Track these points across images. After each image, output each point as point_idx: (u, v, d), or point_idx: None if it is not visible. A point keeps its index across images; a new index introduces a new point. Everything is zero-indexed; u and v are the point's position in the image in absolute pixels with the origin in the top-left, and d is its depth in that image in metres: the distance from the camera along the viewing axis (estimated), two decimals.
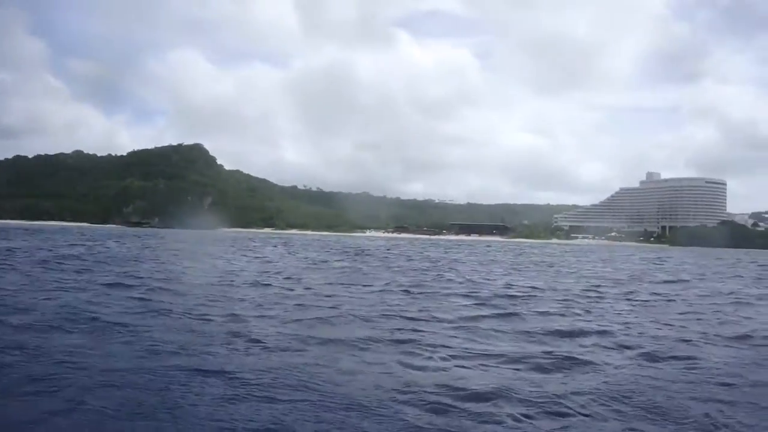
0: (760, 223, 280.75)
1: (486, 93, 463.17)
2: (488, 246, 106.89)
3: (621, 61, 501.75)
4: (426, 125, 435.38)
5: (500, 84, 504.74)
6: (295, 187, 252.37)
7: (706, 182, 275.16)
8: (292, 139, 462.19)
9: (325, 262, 37.84)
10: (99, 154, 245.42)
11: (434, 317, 13.67)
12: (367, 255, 49.82)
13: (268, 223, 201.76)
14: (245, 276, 23.84)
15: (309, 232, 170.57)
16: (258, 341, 10.17)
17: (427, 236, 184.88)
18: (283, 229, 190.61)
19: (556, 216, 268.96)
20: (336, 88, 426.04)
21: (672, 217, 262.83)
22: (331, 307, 14.60)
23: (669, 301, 19.92)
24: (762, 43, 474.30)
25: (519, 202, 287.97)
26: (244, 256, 41.84)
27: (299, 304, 15.13)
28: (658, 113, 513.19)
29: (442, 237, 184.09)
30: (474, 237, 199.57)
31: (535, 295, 19.84)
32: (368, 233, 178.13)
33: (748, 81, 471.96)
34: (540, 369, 9.06)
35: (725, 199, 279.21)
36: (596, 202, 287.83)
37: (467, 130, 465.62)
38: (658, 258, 71.28)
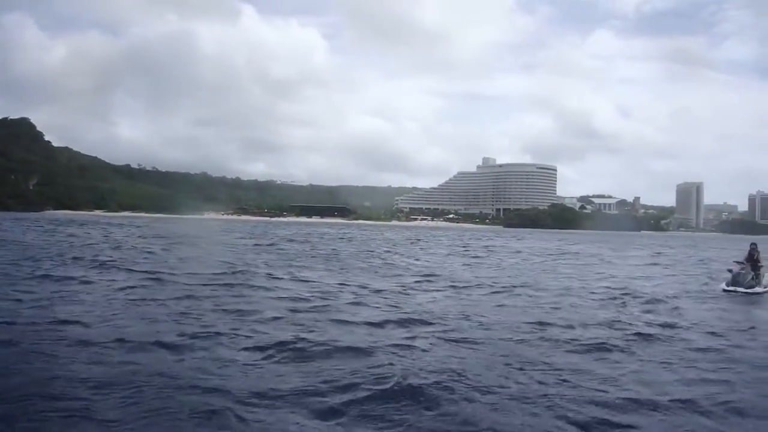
0: (587, 206, 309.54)
1: (332, 74, 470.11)
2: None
3: (467, 49, 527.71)
4: (269, 104, 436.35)
5: (347, 66, 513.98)
6: (129, 166, 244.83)
7: (538, 168, 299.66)
8: (127, 115, 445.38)
9: None
10: None
11: None
12: None
13: (99, 204, 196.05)
14: None
15: (143, 215, 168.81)
16: None
17: (267, 218, 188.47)
18: (115, 211, 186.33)
19: (397, 198, 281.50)
20: (175, 61, 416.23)
21: (506, 200, 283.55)
22: None
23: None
24: (597, 38, 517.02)
25: (362, 184, 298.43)
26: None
27: None
28: (496, 101, 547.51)
29: (282, 219, 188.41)
30: (315, 219, 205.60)
31: None
32: (206, 215, 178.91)
33: (583, 74, 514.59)
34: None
35: (555, 184, 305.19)
36: (436, 185, 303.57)
37: (312, 111, 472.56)
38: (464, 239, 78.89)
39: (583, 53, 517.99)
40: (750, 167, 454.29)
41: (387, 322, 12.21)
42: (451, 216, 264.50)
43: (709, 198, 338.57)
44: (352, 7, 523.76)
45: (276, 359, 8.79)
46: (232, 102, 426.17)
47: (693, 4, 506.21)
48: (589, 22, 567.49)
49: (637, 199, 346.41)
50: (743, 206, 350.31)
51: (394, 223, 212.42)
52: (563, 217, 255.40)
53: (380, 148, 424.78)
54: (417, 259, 34.32)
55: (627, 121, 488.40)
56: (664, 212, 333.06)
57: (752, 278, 21.16)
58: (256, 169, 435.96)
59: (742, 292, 20.30)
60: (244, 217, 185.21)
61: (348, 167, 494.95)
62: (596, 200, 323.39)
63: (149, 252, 30.98)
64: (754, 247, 22.71)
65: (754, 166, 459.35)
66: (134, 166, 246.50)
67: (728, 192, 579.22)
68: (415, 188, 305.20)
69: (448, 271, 26.94)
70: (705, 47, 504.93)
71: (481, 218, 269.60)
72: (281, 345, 9.47)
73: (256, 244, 44.98)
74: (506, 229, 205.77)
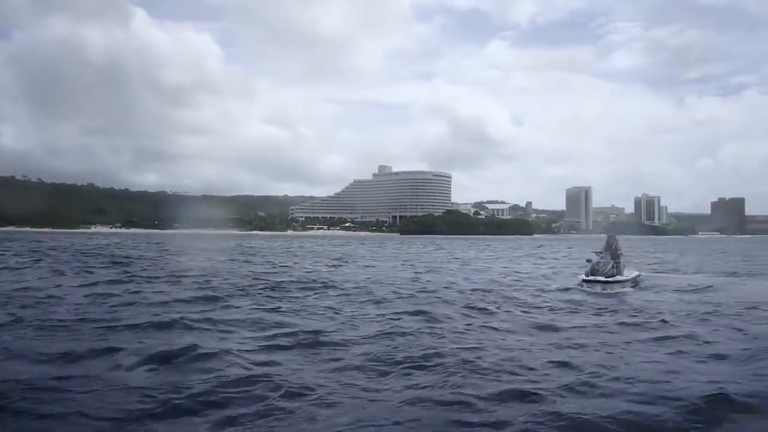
0: (481, 212, 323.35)
1: (227, 81, 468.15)
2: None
3: (365, 57, 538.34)
4: (162, 112, 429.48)
5: (243, 73, 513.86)
6: (13, 178, 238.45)
7: (434, 175, 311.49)
8: (11, 123, 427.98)
9: None
10: None
11: None
12: None
13: None
14: None
15: (28, 229, 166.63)
16: None
17: (158, 231, 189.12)
18: None
19: (293, 208, 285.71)
20: (63, 66, 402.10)
21: (402, 207, 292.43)
22: None
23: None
24: (491, 50, 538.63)
25: (257, 194, 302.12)
26: None
27: None
28: (394, 109, 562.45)
29: (174, 231, 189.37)
30: (209, 231, 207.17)
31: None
32: (93, 229, 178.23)
33: (476, 83, 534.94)
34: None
35: (450, 190, 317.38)
36: (333, 194, 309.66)
37: (206, 119, 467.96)
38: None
39: (479, 63, 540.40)
40: (636, 171, 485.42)
41: None
42: (347, 225, 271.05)
43: (598, 201, 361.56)
44: (248, 13, 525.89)
45: None
46: (123, 110, 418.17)
47: (583, 15, 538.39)
48: (485, 32, 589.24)
49: (529, 203, 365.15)
50: (630, 208, 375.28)
51: (289, 233, 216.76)
52: (458, 223, 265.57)
53: (277, 156, 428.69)
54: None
55: (521, 129, 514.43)
56: (555, 216, 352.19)
57: (612, 267, 21.47)
58: (147, 179, 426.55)
59: (602, 281, 20.63)
60: (132, 230, 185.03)
61: (243, 177, 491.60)
62: (490, 206, 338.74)
63: None
64: (611, 236, 23.61)
65: (639, 169, 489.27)
66: (19, 177, 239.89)
67: (616, 195, 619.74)
68: (312, 197, 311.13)
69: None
70: (594, 57, 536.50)
71: (377, 226, 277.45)
72: None
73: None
74: (402, 236, 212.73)
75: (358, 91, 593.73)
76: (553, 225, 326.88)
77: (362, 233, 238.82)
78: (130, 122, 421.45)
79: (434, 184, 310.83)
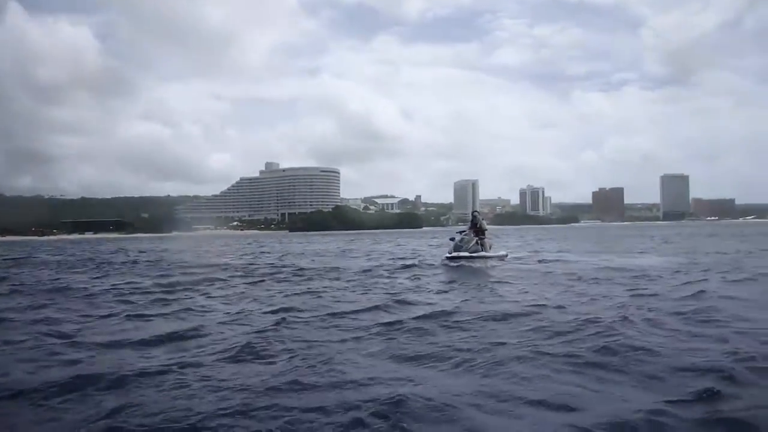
0: (371, 207, 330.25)
1: (107, 77, 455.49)
2: None
3: (251, 52, 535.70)
4: (36, 111, 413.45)
5: (123, 68, 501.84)
6: None
7: (321, 171, 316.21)
8: None
9: None
10: None
11: None
12: None
13: None
14: None
15: None
16: None
17: (36, 237, 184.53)
18: None
19: (177, 207, 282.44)
20: None
21: (291, 204, 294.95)
22: None
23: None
24: (377, 45, 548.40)
25: (139, 195, 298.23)
26: None
27: None
28: (281, 105, 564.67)
29: (51, 238, 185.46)
30: (89, 235, 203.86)
31: None
32: None
33: (365, 78, 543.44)
34: None
35: (339, 186, 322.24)
36: (218, 192, 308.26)
37: (84, 118, 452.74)
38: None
39: (367, 58, 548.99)
40: (521, 164, 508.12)
41: None
42: (234, 223, 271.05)
43: (485, 194, 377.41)
44: (129, 5, 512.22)
45: None
46: None
47: (470, 12, 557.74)
48: (373, 27, 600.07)
49: (418, 197, 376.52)
50: (515, 200, 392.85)
51: (174, 234, 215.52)
52: (348, 219, 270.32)
53: (160, 155, 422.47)
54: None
55: (409, 124, 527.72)
56: (444, 209, 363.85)
57: (476, 243, 22.51)
58: (21, 183, 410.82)
59: (466, 257, 21.85)
60: (8, 238, 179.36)
61: (125, 177, 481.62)
62: (379, 201, 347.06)
63: None
64: (476, 215, 24.18)
65: (524, 162, 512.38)
66: None
67: (502, 187, 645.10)
68: (197, 196, 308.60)
69: None
70: (481, 53, 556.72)
71: (266, 224, 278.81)
72: None
73: None
74: (291, 233, 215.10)
75: (244, 86, 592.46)
76: (442, 218, 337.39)
77: (250, 231, 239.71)
78: (2, 122, 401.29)
79: (322, 180, 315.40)
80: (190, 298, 14.50)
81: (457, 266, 21.01)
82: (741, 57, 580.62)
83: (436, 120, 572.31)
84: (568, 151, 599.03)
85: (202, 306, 12.73)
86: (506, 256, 24.54)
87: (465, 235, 22.97)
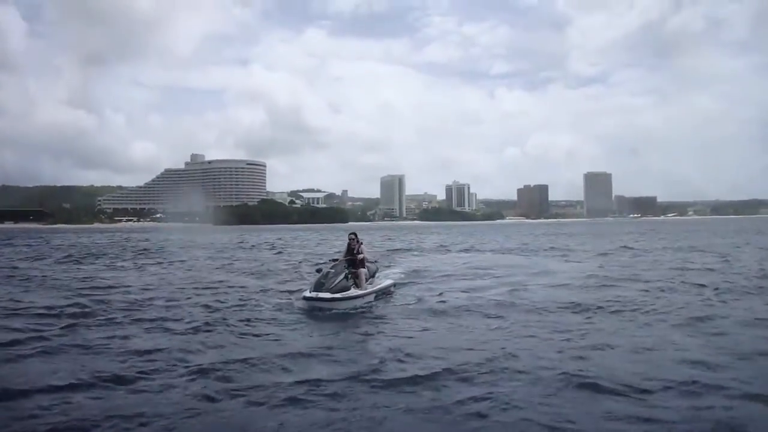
0: (297, 201, 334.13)
1: (29, 59, 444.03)
2: None
3: (178, 39, 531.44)
4: None
5: (46, 51, 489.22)
6: None
7: (248, 163, 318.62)
8: None
9: None
10: None
11: None
12: None
13: None
14: None
15: None
16: None
17: None
18: None
19: (99, 198, 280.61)
20: None
21: (216, 197, 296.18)
22: None
23: None
24: (308, 37, 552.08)
25: (60, 184, 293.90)
26: None
27: None
28: (209, 95, 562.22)
29: None
30: (8, 224, 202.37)
31: None
32: None
33: (294, 70, 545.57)
34: None
35: (265, 179, 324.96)
36: (142, 183, 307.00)
37: (2, 100, 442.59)
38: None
39: (297, 50, 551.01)
40: (448, 159, 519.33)
41: None
42: (158, 216, 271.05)
43: (411, 189, 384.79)
44: None
45: None
46: None
47: (402, 8, 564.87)
48: (305, 19, 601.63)
49: (345, 192, 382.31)
50: (441, 195, 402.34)
51: (96, 225, 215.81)
52: (273, 212, 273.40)
53: (81, 142, 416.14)
54: None
55: (337, 117, 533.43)
56: (370, 203, 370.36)
57: (345, 278, 16.42)
58: None
59: (326, 299, 15.35)
60: None
61: (45, 165, 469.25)
62: (305, 194, 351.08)
63: None
64: (353, 238, 17.92)
65: (451, 158, 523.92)
66: None
67: (428, 183, 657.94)
68: (120, 187, 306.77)
69: None
70: (410, 49, 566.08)
71: (190, 217, 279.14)
72: None
73: None
74: (215, 227, 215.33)
75: (171, 74, 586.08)
76: (369, 212, 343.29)
77: (173, 224, 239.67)
78: None
79: (248, 172, 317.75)
80: None
81: (315, 309, 15.09)
82: (663, 57, 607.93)
83: (364, 114, 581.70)
84: (494, 148, 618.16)
85: None
86: (392, 286, 19.50)
87: (332, 268, 16.69)
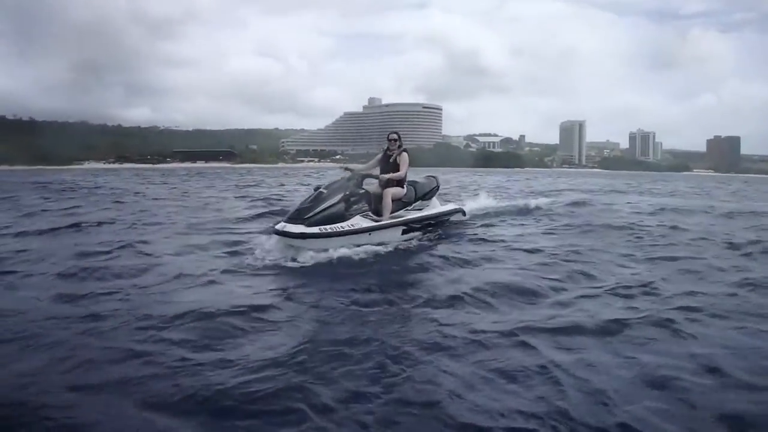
0: (472, 144, 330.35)
1: (215, 12, 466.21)
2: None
3: None
4: (150, 45, 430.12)
5: (230, 2, 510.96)
6: (4, 118, 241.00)
7: (423, 107, 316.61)
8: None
9: None
10: None
11: None
12: None
13: None
14: None
15: (21, 167, 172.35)
16: None
17: (151, 165, 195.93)
18: None
19: (283, 141, 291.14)
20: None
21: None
22: None
23: None
24: None
25: (248, 127, 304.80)
26: None
27: None
28: (387, 40, 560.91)
29: (166, 166, 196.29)
30: (200, 164, 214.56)
31: None
32: (86, 165, 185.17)
33: (472, 12, 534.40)
34: None
35: (441, 123, 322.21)
36: (322, 126, 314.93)
37: (195, 52, 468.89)
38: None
39: None
40: (632, 106, 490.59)
41: None
42: (337, 157, 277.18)
43: (592, 136, 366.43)
44: None
45: None
46: (111, 44, 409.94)
47: None
48: None
49: (522, 137, 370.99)
50: (625, 144, 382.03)
51: (281, 165, 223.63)
52: (447, 156, 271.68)
53: (267, 88, 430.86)
54: None
55: (516, 60, 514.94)
56: (548, 150, 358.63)
57: (345, 200, 10.21)
58: (140, 114, 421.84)
59: (296, 234, 9.38)
60: (126, 165, 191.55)
61: (234, 110, 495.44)
62: (481, 139, 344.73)
63: None
64: (394, 139, 11.79)
65: (635, 105, 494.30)
66: (9, 116, 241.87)
67: (611, 130, 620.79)
68: (303, 130, 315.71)
69: None
70: None
71: (367, 158, 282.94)
72: None
73: None
74: None
75: (350, 20, 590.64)
76: (546, 159, 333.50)
77: (352, 165, 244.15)
78: (118, 57, 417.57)
79: (424, 116, 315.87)
80: None
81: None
82: None
83: (544, 56, 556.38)
84: (682, 95, 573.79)
85: None
86: (457, 213, 13.80)
87: (333, 184, 10.47)
